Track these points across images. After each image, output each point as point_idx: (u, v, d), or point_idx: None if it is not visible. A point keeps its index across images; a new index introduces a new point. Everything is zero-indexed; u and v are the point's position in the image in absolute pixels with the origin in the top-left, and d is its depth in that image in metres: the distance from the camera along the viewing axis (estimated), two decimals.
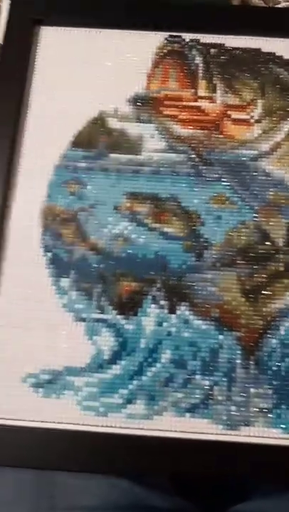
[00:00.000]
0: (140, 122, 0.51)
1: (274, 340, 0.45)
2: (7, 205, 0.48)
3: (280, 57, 0.54)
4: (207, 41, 0.55)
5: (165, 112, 0.52)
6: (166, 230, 0.48)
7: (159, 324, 0.45)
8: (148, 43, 0.54)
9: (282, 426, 0.43)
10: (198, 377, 0.44)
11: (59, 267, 0.46)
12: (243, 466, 0.42)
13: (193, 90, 0.53)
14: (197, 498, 0.48)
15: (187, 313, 0.46)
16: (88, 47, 0.54)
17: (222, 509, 0.48)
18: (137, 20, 0.55)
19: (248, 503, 0.47)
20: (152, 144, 0.51)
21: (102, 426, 0.42)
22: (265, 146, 0.51)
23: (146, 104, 0.52)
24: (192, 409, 0.43)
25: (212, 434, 0.42)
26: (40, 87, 0.53)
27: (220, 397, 0.43)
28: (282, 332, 0.45)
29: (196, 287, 0.46)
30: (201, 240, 0.48)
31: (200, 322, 0.45)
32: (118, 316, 0.45)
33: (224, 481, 0.47)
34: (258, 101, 0.52)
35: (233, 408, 0.43)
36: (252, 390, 0.43)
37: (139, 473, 0.43)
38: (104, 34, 0.54)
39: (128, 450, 0.42)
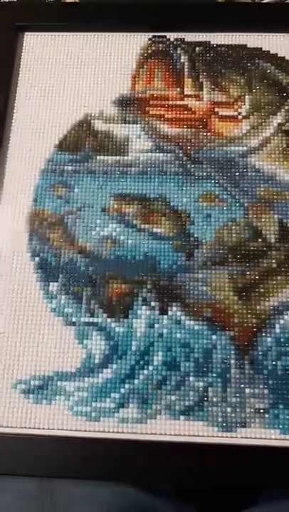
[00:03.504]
0: (126, 123, 0.51)
1: (269, 339, 0.44)
2: None
3: (266, 52, 0.54)
4: (192, 40, 0.54)
5: (151, 112, 0.51)
6: (155, 230, 0.47)
7: (151, 326, 0.44)
8: (132, 44, 0.54)
9: (279, 426, 0.41)
10: (192, 378, 0.43)
11: (47, 271, 0.46)
12: (239, 469, 0.40)
13: (179, 89, 0.52)
14: (204, 504, 0.47)
15: (179, 313, 0.45)
16: (71, 51, 0.54)
17: None
18: (120, 22, 0.55)
19: (256, 508, 0.46)
20: (139, 144, 0.50)
21: (94, 431, 0.41)
22: (254, 142, 0.50)
23: (131, 105, 0.52)
24: (186, 412, 0.42)
25: (208, 436, 0.41)
26: (24, 92, 0.53)
27: (215, 399, 0.42)
28: (278, 330, 0.44)
29: (187, 287, 0.45)
30: (191, 239, 0.47)
31: (192, 322, 0.44)
32: (108, 319, 0.44)
33: (229, 486, 0.46)
34: (246, 97, 0.52)
35: (229, 409, 0.42)
36: (247, 391, 0.42)
37: (133, 478, 0.41)
38: (86, 38, 0.54)
39: (121, 455, 0.41)
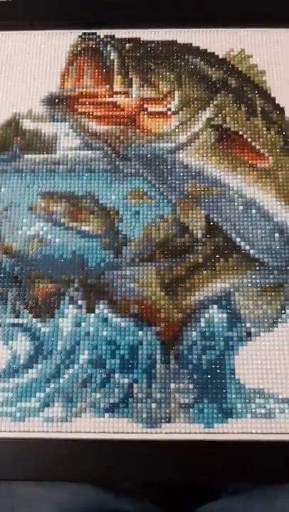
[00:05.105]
0: (54, 121, 0.51)
1: (194, 333, 0.44)
2: None
3: (196, 48, 0.54)
4: (122, 36, 0.54)
5: (80, 110, 0.51)
6: (83, 228, 0.47)
7: (77, 325, 0.44)
8: (61, 41, 0.54)
9: (204, 421, 0.41)
10: (117, 375, 0.43)
11: None
12: (165, 464, 0.41)
13: (108, 86, 0.52)
14: (166, 499, 0.47)
15: (106, 311, 0.45)
16: (0, 50, 0.53)
17: (190, 510, 0.47)
18: (50, 20, 0.54)
19: (215, 503, 0.46)
20: (67, 142, 0.50)
21: (19, 431, 0.41)
22: (182, 138, 0.50)
23: (60, 103, 0.51)
24: (111, 409, 0.42)
25: (132, 433, 0.41)
26: None
27: (140, 395, 0.42)
28: (203, 324, 0.44)
29: (115, 284, 0.45)
30: (120, 236, 0.47)
31: (119, 320, 0.44)
32: (34, 320, 0.44)
33: (156, 482, 0.46)
34: (175, 92, 0.52)
35: (154, 405, 0.42)
36: (172, 386, 0.42)
37: (59, 477, 0.41)
38: (16, 36, 0.54)
39: (47, 454, 0.41)
